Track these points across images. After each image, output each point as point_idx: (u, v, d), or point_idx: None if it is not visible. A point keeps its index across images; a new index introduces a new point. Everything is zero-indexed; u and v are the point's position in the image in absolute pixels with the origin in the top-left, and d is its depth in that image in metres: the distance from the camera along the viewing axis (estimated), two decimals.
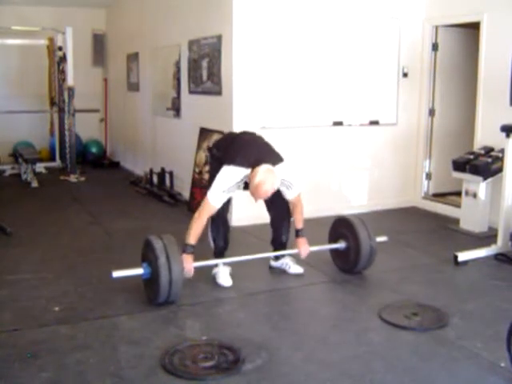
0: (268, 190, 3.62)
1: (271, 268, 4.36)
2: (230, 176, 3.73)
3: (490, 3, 5.67)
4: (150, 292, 3.61)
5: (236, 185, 3.74)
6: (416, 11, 6.38)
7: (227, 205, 4.02)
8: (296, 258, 4.30)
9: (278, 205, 4.09)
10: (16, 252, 4.80)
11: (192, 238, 3.71)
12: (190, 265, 3.68)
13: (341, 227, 4.22)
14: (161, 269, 3.43)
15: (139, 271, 3.59)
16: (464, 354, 3.02)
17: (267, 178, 3.59)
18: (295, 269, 4.25)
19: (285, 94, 5.76)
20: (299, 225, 4.08)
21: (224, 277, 4.04)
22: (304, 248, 4.08)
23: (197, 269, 3.77)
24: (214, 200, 3.72)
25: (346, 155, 6.24)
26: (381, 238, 4.27)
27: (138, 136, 8.76)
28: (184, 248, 3.69)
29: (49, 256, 4.70)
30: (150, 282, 3.59)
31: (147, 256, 3.61)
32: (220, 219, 4.05)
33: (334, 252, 4.31)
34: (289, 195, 3.97)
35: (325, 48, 5.91)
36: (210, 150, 4.18)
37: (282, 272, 4.29)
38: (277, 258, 4.32)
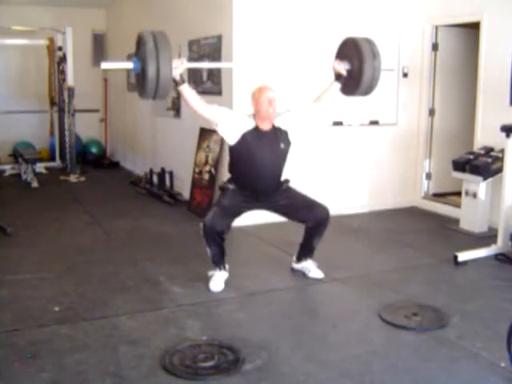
0: (271, 90, 3.82)
1: (293, 270, 4.26)
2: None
3: (490, 3, 5.67)
4: (140, 88, 3.45)
5: (236, 119, 3.85)
6: (416, 11, 6.37)
7: (228, 225, 3.90)
8: (317, 262, 4.20)
9: (308, 211, 4.01)
10: (16, 252, 4.79)
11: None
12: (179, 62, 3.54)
13: (348, 49, 4.06)
14: (148, 55, 3.26)
15: (129, 65, 3.46)
16: (464, 354, 3.02)
17: (265, 84, 3.86)
18: (315, 273, 4.15)
19: (285, 94, 5.74)
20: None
21: (216, 281, 3.91)
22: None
23: (198, 268, 3.77)
24: (216, 107, 3.84)
25: (346, 155, 6.24)
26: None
27: (138, 136, 8.76)
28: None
29: (49, 256, 4.70)
30: (140, 78, 3.42)
31: (138, 51, 3.45)
32: (216, 234, 3.80)
33: (338, 74, 4.05)
34: (300, 109, 4.14)
35: (325, 48, 5.88)
36: (222, 187, 4.06)
37: (281, 271, 4.27)
38: (299, 259, 4.23)
